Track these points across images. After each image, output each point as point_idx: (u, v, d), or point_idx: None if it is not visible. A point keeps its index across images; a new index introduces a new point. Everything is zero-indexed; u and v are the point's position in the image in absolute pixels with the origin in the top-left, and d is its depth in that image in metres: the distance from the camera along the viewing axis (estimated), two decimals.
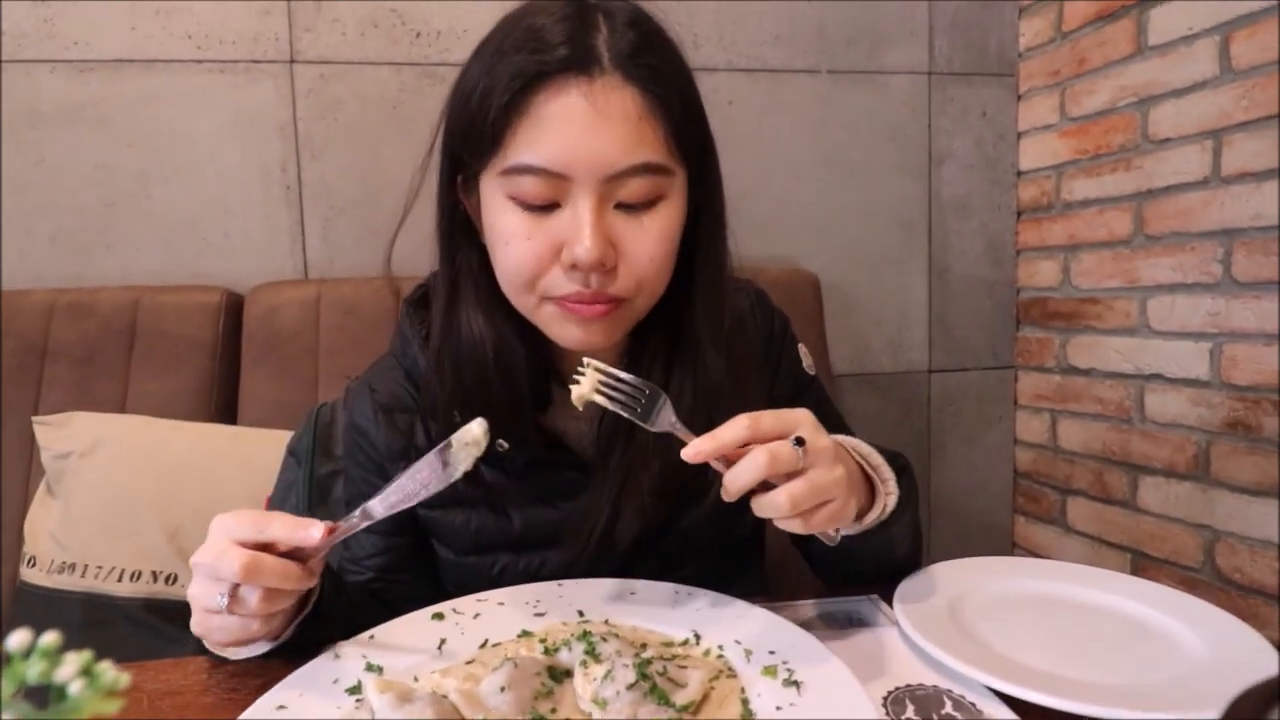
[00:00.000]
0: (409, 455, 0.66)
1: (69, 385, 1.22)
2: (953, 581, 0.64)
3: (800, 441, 0.48)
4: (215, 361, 1.27)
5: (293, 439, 1.02)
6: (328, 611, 0.57)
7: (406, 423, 0.68)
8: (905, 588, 0.62)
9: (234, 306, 1.30)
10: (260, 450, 1.13)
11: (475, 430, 0.50)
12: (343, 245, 1.42)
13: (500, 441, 0.63)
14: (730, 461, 0.49)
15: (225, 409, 1.27)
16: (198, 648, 0.56)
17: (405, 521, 0.68)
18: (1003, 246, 1.69)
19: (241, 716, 0.45)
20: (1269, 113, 1.16)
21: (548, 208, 0.56)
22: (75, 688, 0.20)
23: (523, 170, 0.55)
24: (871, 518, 0.58)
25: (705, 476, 0.62)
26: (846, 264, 1.61)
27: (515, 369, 0.63)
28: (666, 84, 0.56)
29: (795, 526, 0.50)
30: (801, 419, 0.51)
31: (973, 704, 0.49)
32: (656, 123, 0.55)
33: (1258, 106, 1.18)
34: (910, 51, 1.60)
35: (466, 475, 0.54)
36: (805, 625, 0.60)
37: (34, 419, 1.17)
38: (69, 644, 0.65)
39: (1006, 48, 1.65)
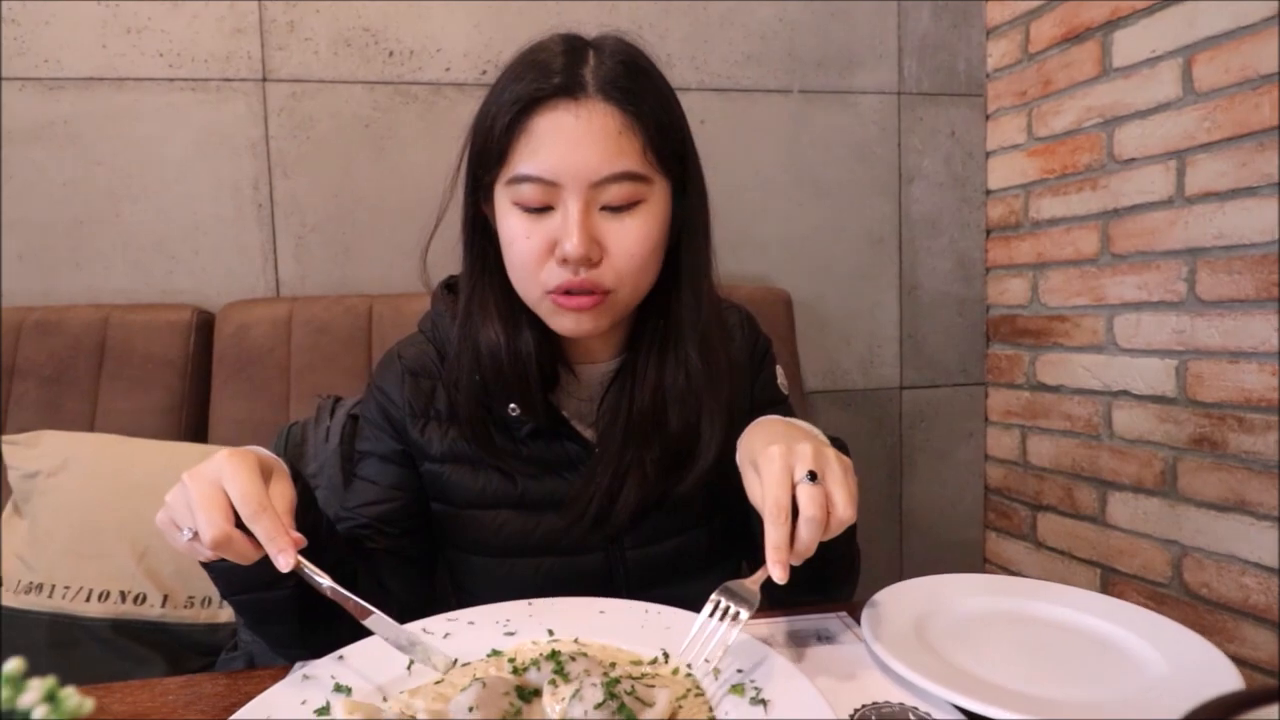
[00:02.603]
0: (428, 415, 0.76)
1: (37, 404, 1.20)
2: (920, 599, 0.65)
3: (813, 476, 0.53)
4: (185, 380, 1.26)
5: None
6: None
7: (429, 387, 0.76)
8: (873, 605, 0.63)
9: (205, 325, 1.29)
10: None
11: (439, 664, 0.53)
12: (315, 263, 1.42)
13: (512, 407, 0.72)
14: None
15: (195, 428, 1.26)
16: (167, 669, 0.56)
17: (407, 480, 0.76)
18: (972, 264, 1.72)
19: None
20: (1231, 134, 1.20)
21: (543, 210, 0.65)
22: (39, 714, 0.20)
23: (522, 179, 0.65)
24: None
25: (698, 448, 0.71)
26: (818, 281, 1.63)
27: (524, 350, 0.71)
28: (643, 104, 0.65)
29: (844, 525, 0.54)
30: (781, 462, 0.54)
31: None
32: (634, 136, 0.65)
33: (1219, 128, 1.22)
34: (880, 72, 1.64)
35: (476, 436, 0.73)
36: (773, 642, 0.61)
37: (1, 438, 1.15)
38: (36, 665, 0.64)
39: (975, 68, 1.70)
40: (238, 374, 1.27)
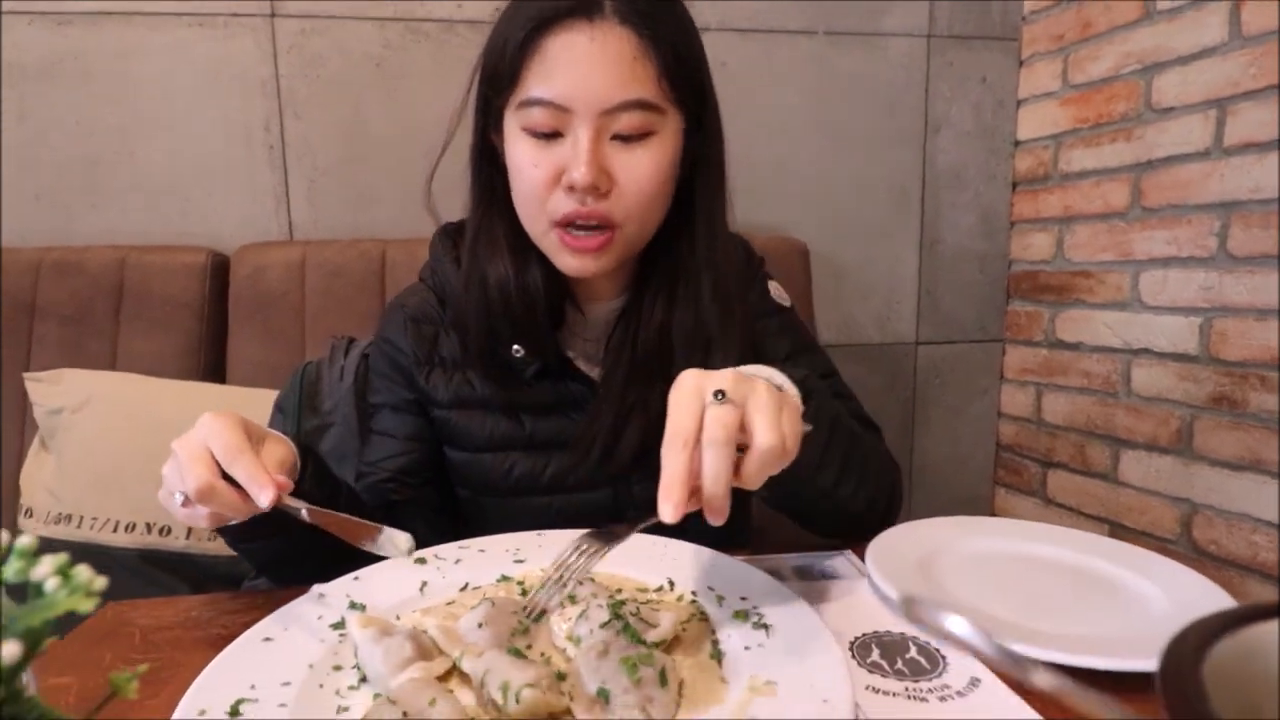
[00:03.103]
0: (432, 362, 0.76)
1: (59, 343, 1.23)
2: (926, 538, 0.66)
3: (719, 394, 0.45)
4: (202, 322, 1.27)
5: (280, 395, 1.03)
6: (309, 499, 0.57)
7: (431, 333, 0.77)
8: (878, 542, 0.64)
9: (220, 267, 1.30)
10: (248, 409, 1.10)
11: (402, 545, 0.52)
12: (327, 207, 1.42)
13: (516, 347, 0.72)
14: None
15: (214, 369, 1.28)
16: (193, 593, 0.58)
17: (423, 429, 0.77)
18: (996, 218, 1.69)
19: (227, 650, 0.46)
20: (1278, 81, 1.15)
21: (553, 136, 0.64)
22: (51, 585, 0.21)
23: (533, 103, 0.63)
24: None
25: None
26: (837, 234, 1.61)
27: (531, 287, 0.71)
28: (660, 30, 0.63)
29: (787, 458, 0.47)
30: (691, 383, 0.47)
31: (937, 649, 0.50)
32: (649, 63, 0.63)
33: (1266, 74, 1.17)
34: (910, 13, 1.58)
35: (486, 376, 0.73)
36: (779, 576, 0.62)
37: (25, 375, 1.17)
38: None
39: (1010, 11, 1.63)
40: (253, 316, 1.28)
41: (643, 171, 0.65)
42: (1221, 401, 1.26)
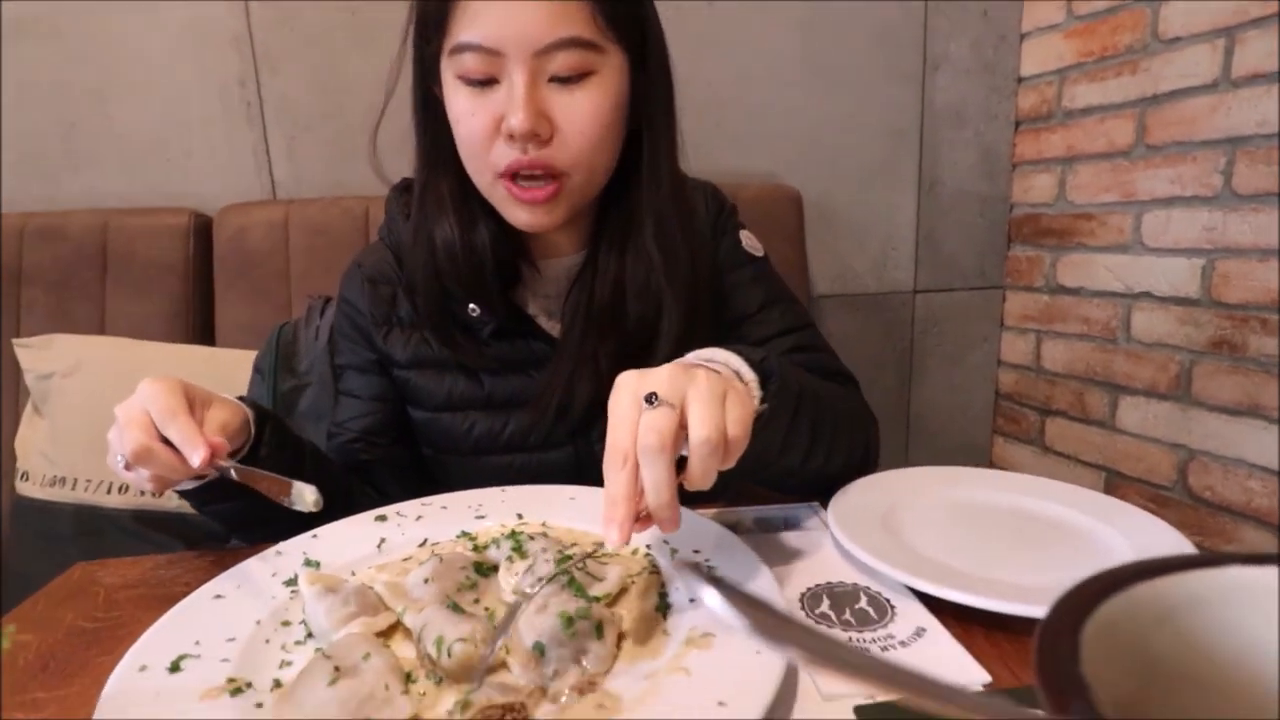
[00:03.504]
0: (390, 323, 0.75)
1: (47, 309, 1.23)
2: (893, 490, 0.65)
3: (652, 397, 0.43)
4: (188, 284, 1.27)
5: (258, 356, 1.03)
6: (268, 464, 0.60)
7: (389, 294, 0.75)
8: (843, 494, 0.63)
9: (203, 228, 1.29)
10: (236, 371, 1.14)
11: (309, 498, 0.53)
12: (309, 164, 1.39)
13: (472, 306, 0.71)
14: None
15: (202, 331, 1.28)
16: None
17: (387, 389, 0.77)
18: (998, 159, 1.63)
19: (176, 607, 0.47)
20: None
21: (487, 83, 0.62)
22: None
23: (463, 48, 0.61)
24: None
25: (656, 342, 0.69)
26: (830, 178, 1.56)
27: (479, 246, 0.69)
28: None
29: (734, 449, 0.45)
30: (627, 391, 0.45)
31: (888, 600, 0.50)
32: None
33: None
34: None
35: (439, 338, 0.72)
36: (740, 528, 0.62)
37: (15, 341, 1.18)
38: (65, 551, 0.67)
39: None
40: (239, 278, 1.27)
41: (584, 114, 0.62)
42: (1221, 345, 1.24)
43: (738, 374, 0.52)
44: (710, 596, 0.18)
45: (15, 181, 1.33)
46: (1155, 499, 1.36)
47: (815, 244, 1.51)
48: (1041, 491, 0.65)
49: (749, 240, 0.81)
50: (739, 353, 0.54)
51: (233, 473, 0.54)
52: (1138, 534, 0.56)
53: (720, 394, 0.45)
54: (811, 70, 1.51)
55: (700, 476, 0.44)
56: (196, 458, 0.50)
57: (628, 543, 0.43)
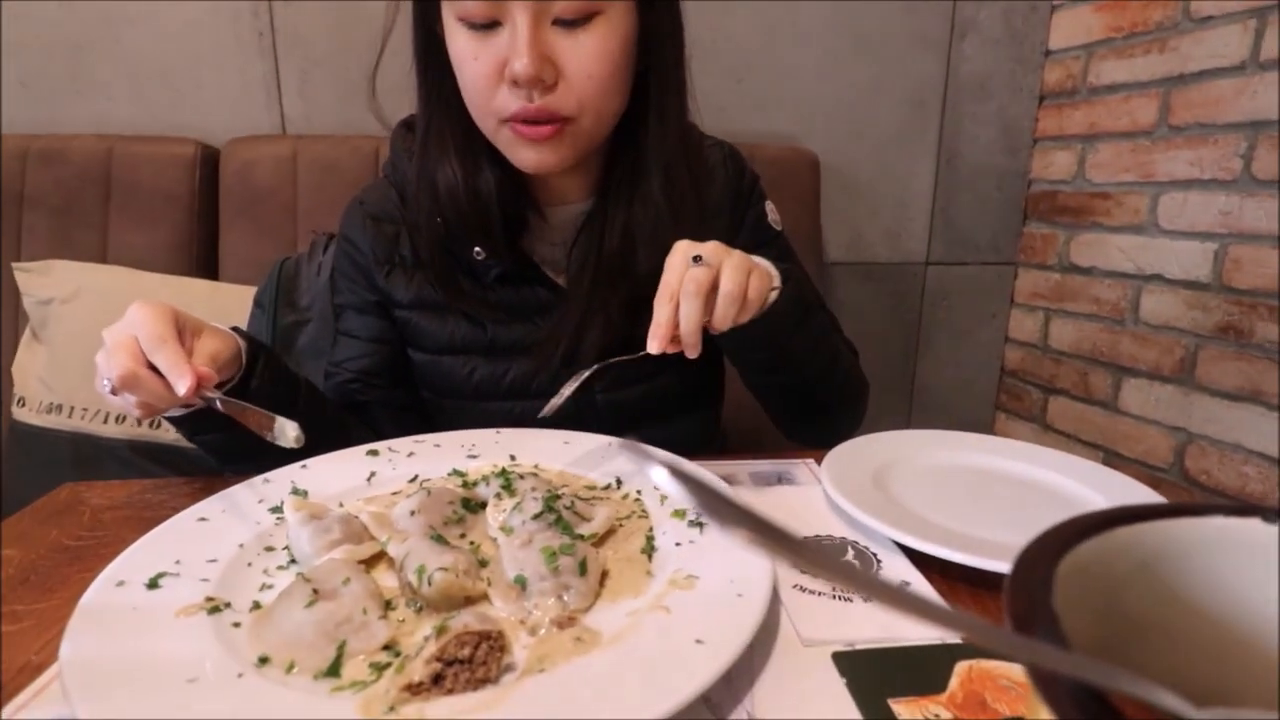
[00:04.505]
0: (392, 262, 0.73)
1: (48, 234, 1.22)
2: (886, 449, 0.65)
3: (698, 258, 0.56)
4: (192, 216, 1.25)
5: (259, 290, 1.03)
6: (260, 397, 0.60)
7: (392, 232, 0.74)
8: (837, 451, 0.63)
9: (209, 160, 1.27)
10: (239, 305, 1.13)
11: (290, 434, 0.53)
12: (320, 100, 1.37)
13: (477, 250, 0.70)
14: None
15: (205, 264, 1.27)
16: None
17: (386, 330, 0.76)
18: (1019, 134, 1.59)
19: (158, 527, 0.47)
20: None
21: (490, 26, 0.60)
22: None
23: None
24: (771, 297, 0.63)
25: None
26: (850, 145, 1.53)
27: (483, 192, 0.68)
28: None
29: (749, 308, 0.58)
30: (680, 251, 0.57)
31: (874, 554, 0.50)
32: None
33: None
34: None
35: (440, 280, 0.71)
36: (734, 480, 0.62)
37: (14, 265, 1.18)
38: (61, 478, 0.66)
39: None
40: (244, 212, 1.26)
41: (589, 57, 0.60)
42: (1228, 331, 1.22)
43: (767, 271, 0.63)
44: (657, 473, 0.18)
45: (19, 103, 1.30)
46: (1150, 481, 1.34)
47: (830, 210, 1.48)
48: (1034, 458, 0.64)
49: (773, 214, 0.80)
50: (771, 262, 0.65)
51: (218, 404, 0.54)
52: (1119, 495, 0.56)
53: (748, 268, 0.58)
54: (837, 33, 1.47)
55: (721, 319, 0.57)
56: (182, 386, 0.50)
57: (662, 351, 0.56)
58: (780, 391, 0.75)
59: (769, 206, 0.80)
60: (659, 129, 0.67)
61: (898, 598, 0.17)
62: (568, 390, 0.62)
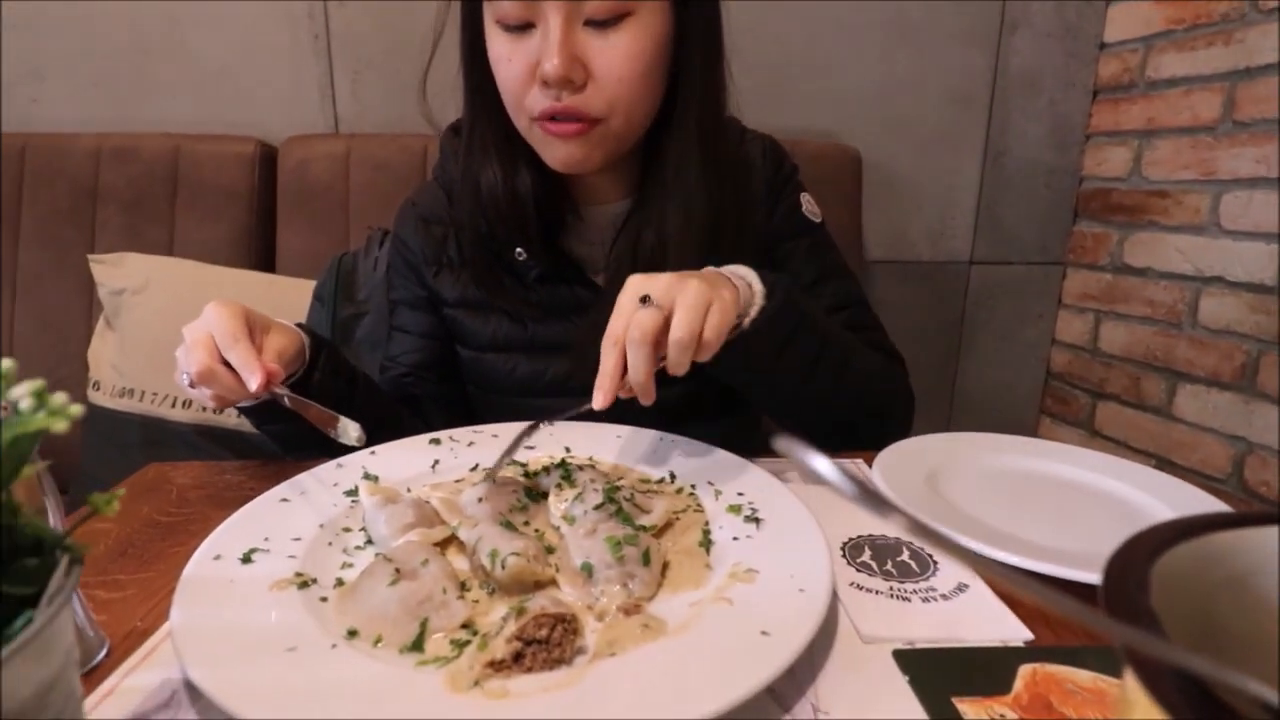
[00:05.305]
0: (441, 262, 0.76)
1: (120, 228, 1.28)
2: (938, 450, 0.65)
3: (645, 298, 0.52)
4: (252, 212, 1.30)
5: (318, 284, 1.06)
6: (322, 390, 0.63)
7: (440, 233, 0.77)
8: (888, 451, 0.63)
9: (268, 158, 1.32)
10: (293, 298, 1.18)
11: (353, 434, 0.56)
12: (371, 101, 1.40)
13: (519, 250, 0.72)
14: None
15: (263, 258, 1.32)
16: None
17: (437, 325, 0.79)
18: (1071, 130, 1.56)
19: (246, 506, 0.50)
20: None
21: (524, 28, 0.62)
22: (26, 405, 0.22)
23: None
24: (749, 317, 0.59)
25: None
26: (893, 141, 1.51)
27: (522, 189, 0.70)
28: None
29: (706, 349, 0.53)
30: (628, 290, 0.53)
31: (929, 555, 0.51)
32: None
33: None
34: None
35: (482, 279, 0.73)
36: (782, 478, 0.62)
37: (90, 257, 1.23)
38: (131, 459, 0.71)
39: None
40: (300, 208, 1.30)
41: (619, 58, 0.61)
42: None
43: (749, 285, 0.59)
44: (820, 463, 0.19)
45: (93, 103, 1.37)
46: (1207, 491, 1.32)
47: (871, 208, 1.47)
48: (1089, 463, 0.64)
49: (809, 205, 0.79)
50: (759, 271, 0.60)
51: (286, 400, 0.57)
52: (1188, 508, 0.55)
53: (705, 303, 0.52)
54: (882, 26, 1.45)
55: (675, 366, 0.52)
56: (253, 382, 0.53)
57: (608, 406, 0.52)
58: (781, 412, 0.71)
59: (805, 198, 0.79)
60: (691, 130, 0.68)
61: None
62: (510, 449, 0.56)
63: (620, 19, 0.61)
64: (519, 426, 0.66)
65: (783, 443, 0.23)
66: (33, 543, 0.25)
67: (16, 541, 0.25)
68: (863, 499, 0.19)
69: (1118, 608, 0.19)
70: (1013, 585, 0.20)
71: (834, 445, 0.73)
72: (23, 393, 0.22)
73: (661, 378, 0.67)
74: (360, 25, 1.37)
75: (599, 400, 0.51)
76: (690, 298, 0.51)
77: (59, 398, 0.23)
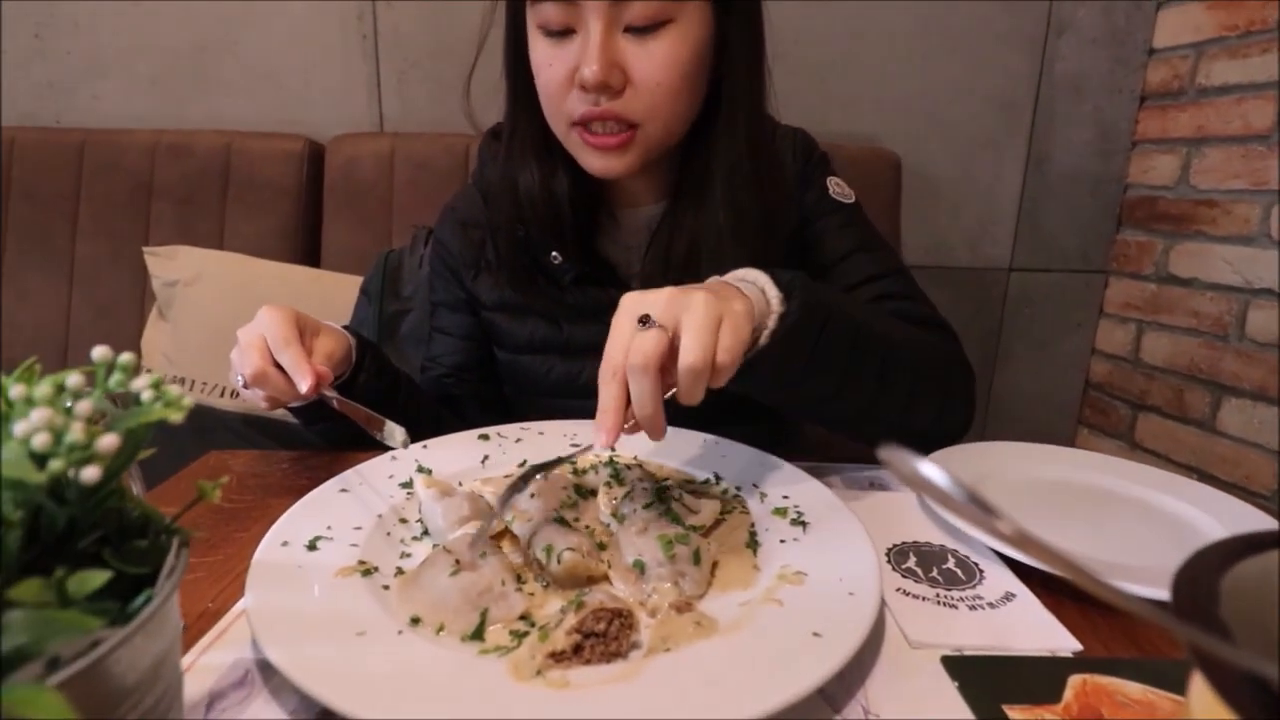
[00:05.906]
0: (479, 266, 0.78)
1: (173, 222, 1.32)
2: (983, 460, 0.65)
3: (646, 319, 0.46)
4: (299, 208, 1.34)
5: (365, 280, 1.09)
6: (366, 390, 0.65)
7: (479, 237, 0.78)
8: (933, 459, 0.63)
9: (315, 155, 1.35)
10: (338, 292, 1.21)
11: (398, 437, 0.57)
12: (416, 100, 1.43)
13: (555, 253, 0.72)
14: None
15: (309, 253, 1.35)
16: None
17: (475, 327, 0.80)
18: (1116, 136, 1.53)
19: (308, 495, 0.52)
20: None
21: (565, 33, 0.62)
22: (146, 396, 0.24)
23: None
24: (768, 329, 0.52)
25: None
26: (934, 145, 1.50)
27: (558, 192, 0.71)
28: None
29: (721, 374, 0.46)
30: (625, 310, 0.48)
31: (975, 563, 0.51)
32: None
33: None
34: None
35: (517, 281, 0.74)
36: (826, 484, 0.63)
37: (145, 249, 1.28)
38: (182, 445, 0.73)
39: None
40: (346, 205, 1.33)
41: (659, 64, 0.61)
42: None
43: (762, 290, 0.52)
44: (928, 467, 0.20)
45: (149, 100, 1.41)
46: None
47: (910, 212, 1.46)
48: (1134, 475, 0.63)
49: (836, 188, 0.78)
50: (770, 273, 0.53)
51: (335, 403, 0.59)
52: (1237, 522, 0.55)
53: (714, 321, 0.45)
54: (926, 30, 1.44)
55: (687, 396, 0.46)
56: (304, 385, 0.55)
57: (613, 446, 0.46)
58: (831, 417, 0.63)
59: (833, 181, 0.78)
60: (728, 136, 0.68)
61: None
62: (505, 493, 0.48)
63: (660, 25, 0.61)
64: (567, 425, 0.68)
65: (885, 452, 0.23)
66: (140, 525, 0.27)
67: (126, 524, 0.26)
68: (971, 505, 0.19)
69: (1189, 616, 0.20)
70: (1125, 604, 0.20)
71: (897, 439, 0.70)
72: (143, 385, 0.24)
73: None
74: (407, 26, 1.40)
75: (601, 440, 0.45)
76: (698, 316, 0.45)
77: (174, 390, 0.24)
